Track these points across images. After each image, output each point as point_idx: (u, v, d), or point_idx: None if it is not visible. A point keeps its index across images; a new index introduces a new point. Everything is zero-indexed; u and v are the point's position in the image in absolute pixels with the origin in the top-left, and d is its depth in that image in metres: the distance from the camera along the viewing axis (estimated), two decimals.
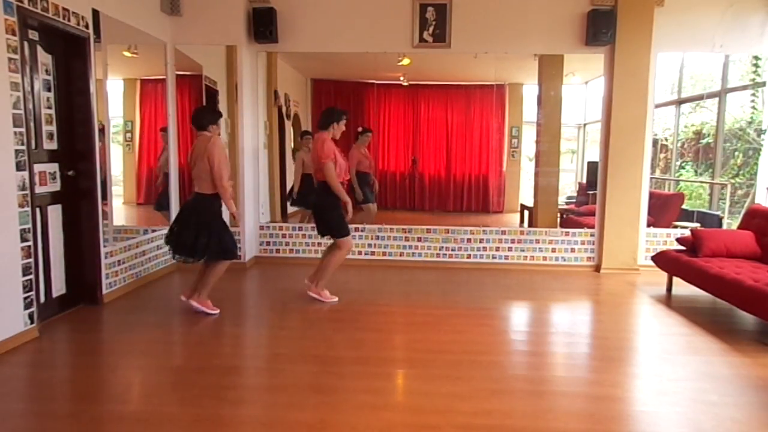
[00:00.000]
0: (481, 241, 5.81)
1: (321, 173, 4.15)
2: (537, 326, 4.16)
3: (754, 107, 5.77)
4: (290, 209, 6.73)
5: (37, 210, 3.63)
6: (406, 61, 5.98)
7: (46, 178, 3.78)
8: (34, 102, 3.64)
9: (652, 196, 5.83)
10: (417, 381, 2.99)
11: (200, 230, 3.79)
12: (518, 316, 4.44)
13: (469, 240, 5.82)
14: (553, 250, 5.77)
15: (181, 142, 5.54)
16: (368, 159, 6.39)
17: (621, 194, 5.52)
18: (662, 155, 7.46)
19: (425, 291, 4.83)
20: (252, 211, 5.78)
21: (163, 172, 5.39)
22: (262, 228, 5.93)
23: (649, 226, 5.75)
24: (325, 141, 4.13)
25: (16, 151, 3.34)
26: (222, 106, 5.62)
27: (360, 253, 5.81)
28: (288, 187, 6.74)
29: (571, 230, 5.81)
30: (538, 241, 5.78)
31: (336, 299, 4.39)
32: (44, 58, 3.77)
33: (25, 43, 3.46)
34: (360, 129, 6.46)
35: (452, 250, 5.83)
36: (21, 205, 3.39)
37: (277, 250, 5.91)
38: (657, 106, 5.87)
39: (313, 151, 4.19)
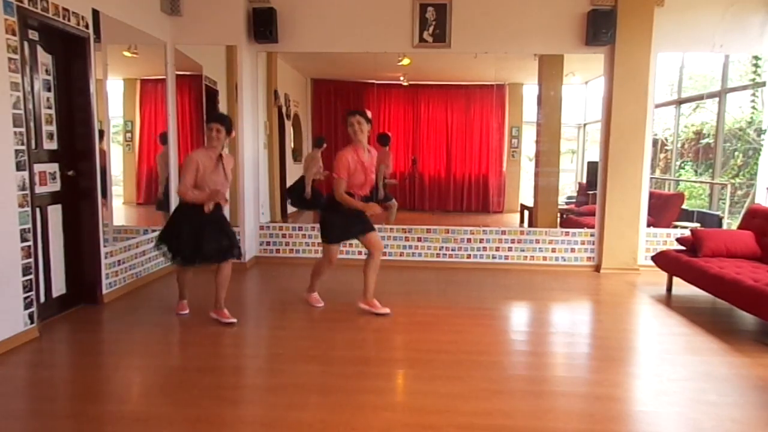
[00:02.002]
0: (481, 241, 5.81)
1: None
2: (537, 326, 4.16)
3: (754, 107, 5.77)
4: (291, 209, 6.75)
5: (37, 210, 3.63)
6: (406, 61, 5.98)
7: (46, 178, 3.78)
8: (34, 102, 3.64)
9: (652, 196, 5.83)
10: (417, 381, 2.99)
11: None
12: (518, 316, 4.44)
13: (469, 240, 5.82)
14: (553, 250, 5.77)
15: (181, 143, 5.54)
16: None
17: (621, 194, 5.52)
18: (662, 155, 7.46)
19: (425, 291, 4.83)
20: (252, 211, 5.78)
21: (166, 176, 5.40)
22: (262, 228, 5.93)
23: (649, 226, 5.75)
24: (340, 156, 3.87)
25: (16, 151, 3.34)
26: (222, 106, 5.63)
27: (360, 253, 5.79)
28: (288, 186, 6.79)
29: (571, 230, 5.81)
30: (538, 241, 5.78)
31: (388, 310, 4.09)
32: (44, 58, 3.77)
33: (25, 43, 3.46)
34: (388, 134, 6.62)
35: (452, 250, 5.83)
36: (21, 205, 3.39)
37: (277, 250, 5.91)
38: (657, 106, 5.87)
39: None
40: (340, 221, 3.98)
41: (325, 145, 6.88)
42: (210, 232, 3.75)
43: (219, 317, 3.87)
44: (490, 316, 4.19)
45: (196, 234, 3.71)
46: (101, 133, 4.23)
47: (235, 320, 3.84)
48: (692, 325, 3.96)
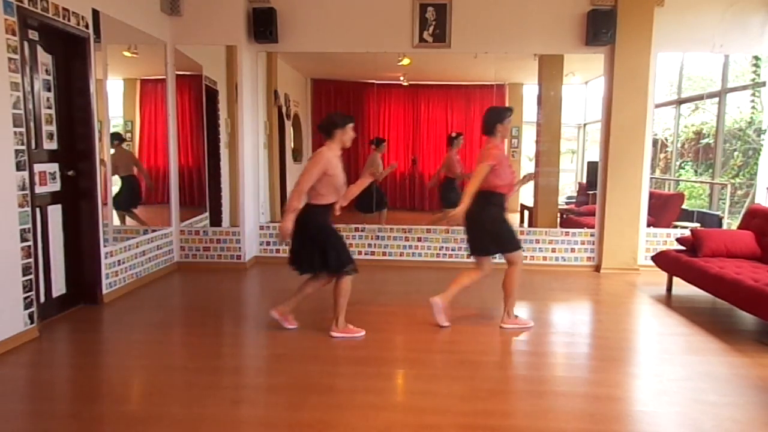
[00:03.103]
0: None
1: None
2: (537, 326, 4.14)
3: (754, 107, 5.77)
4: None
5: (37, 210, 3.63)
6: (406, 61, 5.98)
7: (46, 178, 3.78)
8: (34, 102, 3.64)
9: (652, 196, 5.83)
10: (417, 381, 2.99)
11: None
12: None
13: None
14: (553, 250, 5.77)
15: (181, 143, 5.54)
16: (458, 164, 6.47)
17: (621, 194, 5.52)
18: (662, 155, 7.46)
19: (425, 291, 4.80)
20: (252, 211, 5.78)
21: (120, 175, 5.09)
22: (262, 228, 5.93)
23: (649, 226, 5.75)
24: (492, 147, 3.80)
25: (16, 151, 3.34)
26: (222, 106, 5.63)
27: (360, 253, 5.81)
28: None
29: (571, 230, 5.81)
30: (538, 241, 5.78)
31: (531, 323, 3.92)
32: (44, 58, 3.77)
33: (25, 43, 3.46)
34: (453, 134, 6.66)
35: (452, 250, 5.82)
36: (21, 205, 3.39)
37: (277, 250, 5.90)
38: (657, 106, 5.87)
39: (480, 153, 3.85)
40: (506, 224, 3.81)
41: (384, 149, 6.88)
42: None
43: (349, 335, 3.65)
44: (490, 316, 4.19)
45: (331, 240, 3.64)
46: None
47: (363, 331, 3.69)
48: (692, 325, 3.96)
